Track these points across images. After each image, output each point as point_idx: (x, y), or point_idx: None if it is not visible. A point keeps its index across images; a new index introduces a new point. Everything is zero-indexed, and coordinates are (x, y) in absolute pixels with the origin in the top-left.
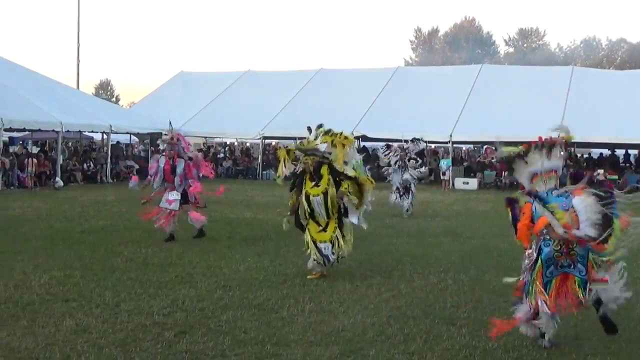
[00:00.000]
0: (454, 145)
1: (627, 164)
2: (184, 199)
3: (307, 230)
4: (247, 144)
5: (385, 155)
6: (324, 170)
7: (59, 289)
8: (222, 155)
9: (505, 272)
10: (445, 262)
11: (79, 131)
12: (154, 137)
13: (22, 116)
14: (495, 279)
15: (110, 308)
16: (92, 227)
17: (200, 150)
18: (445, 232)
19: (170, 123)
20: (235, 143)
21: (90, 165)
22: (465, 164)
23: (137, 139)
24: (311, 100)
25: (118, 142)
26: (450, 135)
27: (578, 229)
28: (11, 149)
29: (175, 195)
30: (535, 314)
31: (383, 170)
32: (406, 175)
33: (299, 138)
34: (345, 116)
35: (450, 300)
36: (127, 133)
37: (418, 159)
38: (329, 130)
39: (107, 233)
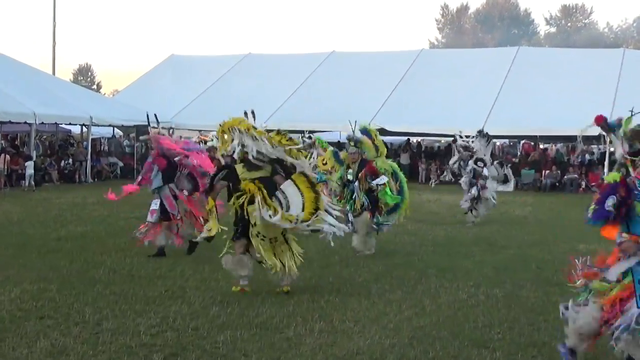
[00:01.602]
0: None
1: None
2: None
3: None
4: None
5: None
6: None
7: (32, 305)
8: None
9: (546, 286)
10: (476, 275)
11: (55, 123)
12: (141, 130)
13: None
14: (533, 294)
15: (90, 327)
16: (69, 234)
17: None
18: (477, 240)
19: (155, 116)
20: None
21: (68, 163)
22: (497, 161)
23: (121, 133)
24: (322, 88)
25: (114, 136)
26: (483, 128)
27: None
28: None
29: (154, 205)
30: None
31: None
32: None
33: (309, 131)
34: (361, 106)
35: (482, 319)
36: (110, 125)
37: (485, 160)
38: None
39: (87, 240)
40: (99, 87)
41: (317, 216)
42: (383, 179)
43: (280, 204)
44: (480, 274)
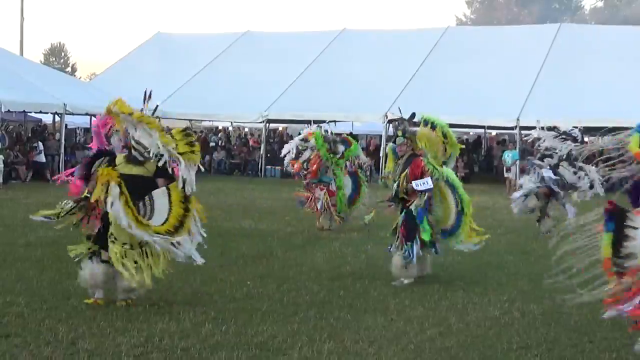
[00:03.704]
0: (523, 131)
1: None
2: None
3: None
4: (246, 130)
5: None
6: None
7: None
8: (213, 144)
9: (591, 302)
10: (510, 288)
11: (23, 111)
12: None
13: None
14: (577, 311)
15: (64, 347)
16: (40, 239)
17: None
18: (510, 248)
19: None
20: (230, 128)
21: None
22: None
23: None
24: (331, 72)
25: (92, 126)
26: (517, 119)
27: None
28: None
29: None
30: None
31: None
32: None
33: (315, 121)
34: (377, 92)
35: (517, 340)
36: (87, 114)
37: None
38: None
39: (60, 247)
40: (73, 70)
41: (172, 235)
42: (428, 183)
43: (139, 210)
44: (515, 288)
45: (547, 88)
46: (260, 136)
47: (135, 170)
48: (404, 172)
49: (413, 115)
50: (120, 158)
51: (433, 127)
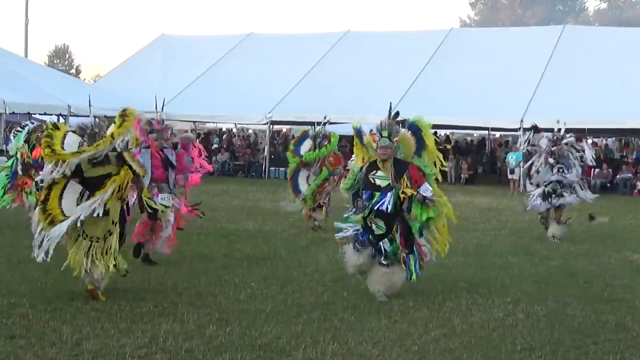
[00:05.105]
0: (527, 133)
1: None
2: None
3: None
4: (250, 131)
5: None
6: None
7: (1, 322)
8: (216, 145)
9: (595, 304)
10: (514, 290)
11: (28, 113)
12: None
13: None
14: (580, 313)
15: (68, 348)
16: None
17: None
18: (515, 249)
19: (156, 100)
20: (234, 129)
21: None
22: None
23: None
24: (335, 73)
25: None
26: (521, 121)
27: None
28: None
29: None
30: None
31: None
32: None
33: (319, 123)
34: (381, 94)
35: (521, 342)
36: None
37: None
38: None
39: (63, 248)
40: (77, 71)
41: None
42: (429, 189)
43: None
44: (519, 289)
45: (551, 90)
46: (264, 138)
47: (101, 170)
48: (403, 178)
49: (397, 114)
50: (85, 164)
51: (412, 130)
